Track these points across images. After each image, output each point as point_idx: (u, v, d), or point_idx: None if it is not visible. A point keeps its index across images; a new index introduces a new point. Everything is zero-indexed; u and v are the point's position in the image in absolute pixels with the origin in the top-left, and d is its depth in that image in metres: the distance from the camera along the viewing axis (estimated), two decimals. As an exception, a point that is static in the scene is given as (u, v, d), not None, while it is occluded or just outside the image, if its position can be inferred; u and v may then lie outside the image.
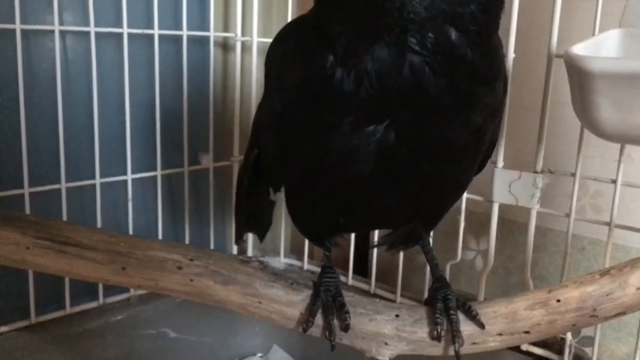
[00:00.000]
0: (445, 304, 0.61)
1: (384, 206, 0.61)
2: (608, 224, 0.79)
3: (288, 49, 0.60)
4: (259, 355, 1.14)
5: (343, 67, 0.50)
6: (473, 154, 0.59)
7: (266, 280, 0.63)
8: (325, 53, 0.51)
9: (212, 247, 1.10)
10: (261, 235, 0.85)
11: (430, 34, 0.47)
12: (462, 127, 0.54)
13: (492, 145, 0.64)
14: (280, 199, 0.73)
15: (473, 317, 0.60)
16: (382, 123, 0.52)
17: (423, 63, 0.48)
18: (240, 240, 0.85)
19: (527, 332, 0.60)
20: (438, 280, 0.65)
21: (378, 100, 0.50)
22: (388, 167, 0.54)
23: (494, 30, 0.53)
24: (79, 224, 0.65)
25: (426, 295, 0.66)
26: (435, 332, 0.59)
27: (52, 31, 0.85)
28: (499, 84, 0.56)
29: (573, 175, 0.81)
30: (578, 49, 0.63)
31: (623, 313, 0.59)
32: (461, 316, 0.60)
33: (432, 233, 0.93)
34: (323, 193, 0.61)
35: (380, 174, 0.55)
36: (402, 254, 0.98)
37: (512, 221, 1.01)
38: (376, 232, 1.01)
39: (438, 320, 0.60)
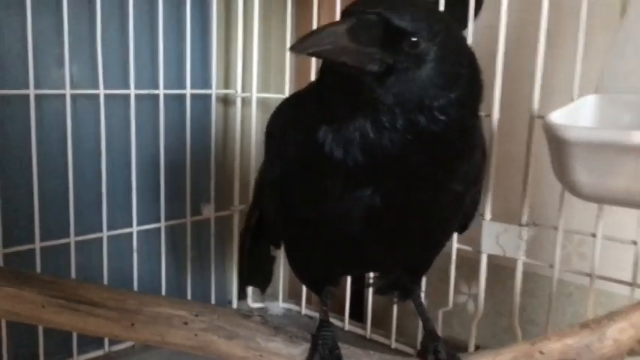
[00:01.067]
0: (436, 357, 0.65)
1: (372, 257, 0.65)
2: (590, 275, 0.83)
3: (286, 121, 0.65)
4: None
5: (333, 135, 0.54)
6: (453, 217, 0.64)
7: (267, 334, 0.67)
8: (320, 122, 0.55)
9: (213, 292, 1.13)
10: (262, 289, 0.90)
11: (399, 119, 0.51)
12: (443, 193, 0.58)
13: (474, 206, 0.69)
14: (279, 250, 0.77)
15: None
16: (368, 188, 0.56)
17: (399, 138, 0.52)
18: (243, 295, 0.87)
19: None
20: (429, 333, 0.69)
21: (364, 167, 0.54)
22: (375, 226, 0.58)
23: (470, 116, 0.57)
24: (91, 282, 0.69)
25: (419, 339, 0.70)
26: None
27: (64, 95, 0.90)
28: (477, 154, 0.61)
29: (556, 228, 0.85)
30: (556, 118, 0.67)
31: (602, 364, 0.63)
32: None
33: (424, 280, 0.98)
34: (318, 248, 0.65)
35: (368, 232, 0.59)
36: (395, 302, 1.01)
37: (502, 267, 1.05)
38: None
39: None
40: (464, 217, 0.68)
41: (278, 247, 0.79)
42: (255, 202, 0.75)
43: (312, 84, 0.65)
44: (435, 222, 0.62)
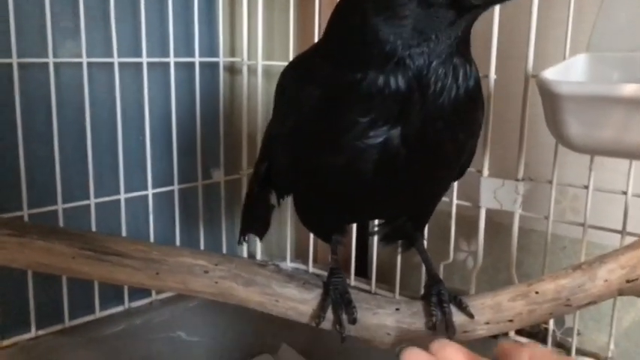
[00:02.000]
0: (439, 298, 0.69)
1: (380, 203, 0.69)
2: (582, 225, 0.88)
3: (295, 77, 0.69)
4: (269, 354, 1.20)
5: (390, 70, 0.58)
6: (454, 164, 0.68)
7: (281, 281, 0.71)
8: (362, 60, 0.59)
9: (224, 251, 1.19)
10: (260, 236, 0.93)
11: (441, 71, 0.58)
12: (452, 139, 0.63)
13: (469, 157, 0.73)
14: (284, 207, 0.81)
15: (463, 309, 0.68)
16: (394, 127, 0.59)
17: (451, 83, 0.58)
18: (242, 240, 0.92)
19: (510, 320, 0.68)
20: (432, 277, 0.74)
21: (400, 100, 0.58)
22: (388, 168, 0.62)
23: None
24: (117, 235, 0.74)
25: (422, 292, 0.74)
26: (431, 323, 0.67)
27: (81, 63, 0.94)
28: (480, 112, 0.66)
29: (550, 182, 0.90)
30: (549, 74, 0.71)
31: (594, 302, 0.67)
32: (453, 309, 0.68)
33: (425, 237, 1.03)
34: (329, 195, 0.69)
35: (381, 174, 0.62)
36: (399, 257, 1.06)
37: (499, 224, 1.09)
38: (375, 241, 1.10)
39: (433, 312, 0.68)
40: (461, 166, 0.72)
41: (283, 197, 0.83)
42: (263, 154, 0.78)
43: (316, 45, 0.69)
44: (441, 167, 0.66)
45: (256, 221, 0.89)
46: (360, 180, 0.63)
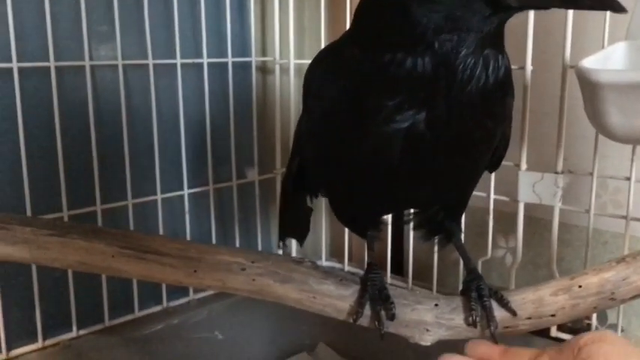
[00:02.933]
0: (479, 293, 0.67)
1: (410, 190, 0.68)
2: (625, 218, 0.86)
3: (323, 66, 0.69)
4: (306, 353, 1.20)
5: (416, 53, 0.57)
6: (484, 152, 0.67)
7: (318, 278, 0.71)
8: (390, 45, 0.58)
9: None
10: (300, 240, 0.93)
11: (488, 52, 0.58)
12: (479, 126, 0.62)
13: (504, 148, 0.72)
14: (318, 206, 0.81)
15: (504, 305, 0.66)
16: (420, 111, 0.59)
17: (477, 67, 0.58)
18: (282, 243, 0.91)
19: (553, 315, 0.66)
20: (471, 272, 0.71)
21: (427, 84, 0.58)
22: (414, 153, 0.61)
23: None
24: (155, 234, 0.74)
25: (460, 288, 0.74)
26: (471, 318, 0.65)
27: (116, 65, 0.95)
28: (510, 99, 0.65)
29: (591, 174, 0.88)
30: (588, 63, 0.70)
31: (639, 296, 0.65)
32: (493, 304, 0.66)
33: (462, 232, 1.01)
34: (358, 183, 0.68)
35: (407, 159, 0.62)
36: (435, 254, 1.05)
37: (538, 219, 1.08)
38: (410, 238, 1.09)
39: (473, 307, 0.66)
40: (495, 154, 0.71)
41: (316, 195, 0.83)
42: (295, 150, 0.79)
43: (344, 34, 0.69)
44: (469, 156, 0.65)
45: (294, 224, 0.89)
46: (387, 166, 0.63)
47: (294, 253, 1.23)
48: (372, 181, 0.67)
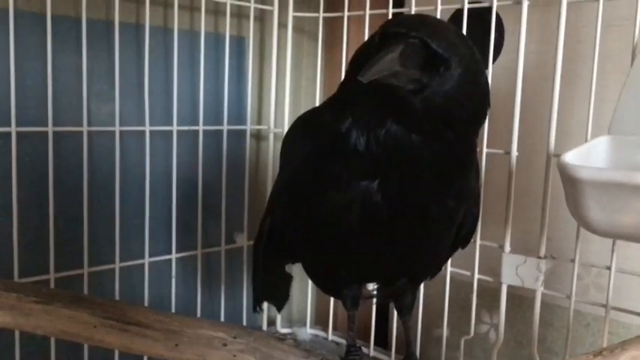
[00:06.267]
0: None
1: (374, 260, 0.69)
2: (605, 306, 0.87)
3: (295, 130, 0.73)
4: None
5: (359, 128, 0.60)
6: (445, 229, 0.69)
7: (300, 356, 0.71)
8: (342, 119, 0.61)
9: (245, 317, 1.19)
10: (278, 307, 0.93)
11: (425, 123, 0.59)
12: (436, 205, 0.64)
13: (472, 225, 0.74)
14: (304, 271, 0.81)
15: None
16: (374, 181, 0.61)
17: (420, 139, 0.59)
18: (257, 308, 0.90)
19: None
20: (409, 356, 0.76)
21: (379, 158, 0.60)
22: (372, 222, 0.63)
23: (476, 133, 0.65)
24: (138, 305, 0.75)
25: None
26: None
27: (113, 132, 0.97)
28: (472, 175, 0.67)
29: (572, 261, 0.89)
30: (570, 158, 0.72)
31: (614, 391, 0.66)
32: None
33: (446, 307, 1.02)
34: (323, 246, 0.70)
35: (366, 228, 0.64)
36: (419, 329, 1.06)
37: (522, 297, 1.09)
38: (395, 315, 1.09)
39: None
40: (464, 231, 0.73)
41: (292, 261, 0.84)
42: (267, 212, 0.80)
43: (326, 101, 0.72)
44: (426, 231, 0.66)
45: (270, 289, 0.88)
46: (348, 232, 0.65)
47: (279, 320, 1.23)
48: (335, 246, 0.68)
